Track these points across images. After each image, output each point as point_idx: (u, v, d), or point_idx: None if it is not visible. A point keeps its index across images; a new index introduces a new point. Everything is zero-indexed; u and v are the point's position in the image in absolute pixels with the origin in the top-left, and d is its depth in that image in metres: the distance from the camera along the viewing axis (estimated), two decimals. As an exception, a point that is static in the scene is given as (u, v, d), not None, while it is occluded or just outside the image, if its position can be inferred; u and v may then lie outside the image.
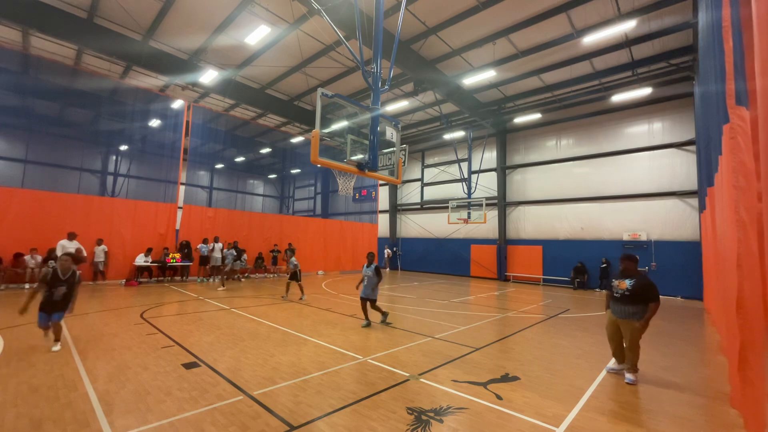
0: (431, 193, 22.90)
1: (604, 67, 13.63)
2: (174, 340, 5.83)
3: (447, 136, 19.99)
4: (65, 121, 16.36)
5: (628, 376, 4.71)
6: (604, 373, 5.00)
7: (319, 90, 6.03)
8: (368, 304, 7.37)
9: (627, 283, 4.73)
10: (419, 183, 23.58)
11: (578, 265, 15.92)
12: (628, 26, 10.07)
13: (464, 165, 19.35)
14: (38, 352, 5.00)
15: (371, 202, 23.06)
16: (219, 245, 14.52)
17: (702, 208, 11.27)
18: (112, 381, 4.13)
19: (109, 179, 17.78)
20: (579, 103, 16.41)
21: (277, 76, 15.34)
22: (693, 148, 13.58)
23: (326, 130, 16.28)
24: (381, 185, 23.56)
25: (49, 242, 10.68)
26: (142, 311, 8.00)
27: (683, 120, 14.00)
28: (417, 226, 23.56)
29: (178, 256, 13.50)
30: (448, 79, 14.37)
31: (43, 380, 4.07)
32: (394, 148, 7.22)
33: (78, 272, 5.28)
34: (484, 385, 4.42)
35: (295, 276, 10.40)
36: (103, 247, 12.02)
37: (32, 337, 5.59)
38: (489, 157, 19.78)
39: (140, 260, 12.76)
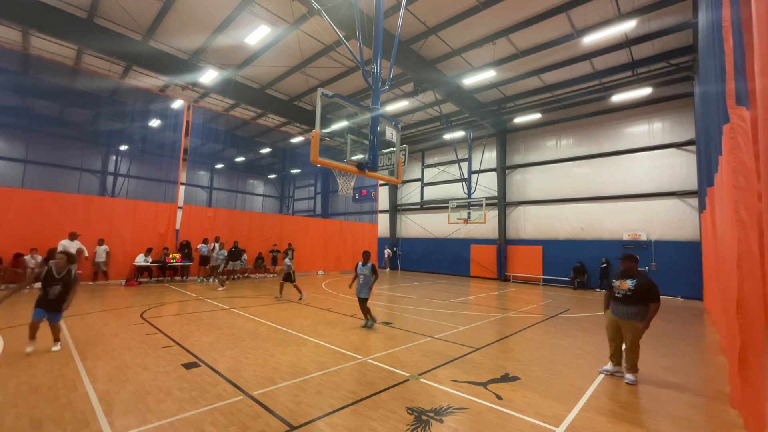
0: (431, 193, 22.89)
1: (604, 67, 13.63)
2: (174, 340, 5.83)
3: (447, 136, 19.99)
4: (65, 121, 16.37)
5: (628, 376, 4.71)
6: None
7: (319, 90, 6.03)
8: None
9: (629, 284, 4.71)
10: (419, 183, 23.58)
11: (577, 265, 15.92)
12: (628, 26, 10.07)
13: (464, 165, 19.35)
14: (38, 352, 5.00)
15: (371, 202, 23.06)
16: (220, 245, 14.52)
17: (702, 208, 11.27)
18: (112, 381, 4.13)
19: (109, 179, 17.79)
20: (579, 103, 16.41)
21: (277, 76, 15.34)
22: (693, 148, 13.58)
23: (326, 130, 16.28)
24: (381, 185, 23.56)
25: (49, 242, 10.67)
26: (142, 311, 8.00)
27: (683, 120, 14.00)
28: (417, 226, 23.55)
29: (178, 256, 13.50)
30: (448, 79, 14.37)
31: (43, 380, 4.07)
32: (394, 148, 7.22)
33: (74, 271, 5.23)
34: (484, 385, 4.42)
35: (289, 277, 10.29)
36: (104, 247, 12.02)
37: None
38: (489, 157, 19.78)
39: (140, 260, 12.76)
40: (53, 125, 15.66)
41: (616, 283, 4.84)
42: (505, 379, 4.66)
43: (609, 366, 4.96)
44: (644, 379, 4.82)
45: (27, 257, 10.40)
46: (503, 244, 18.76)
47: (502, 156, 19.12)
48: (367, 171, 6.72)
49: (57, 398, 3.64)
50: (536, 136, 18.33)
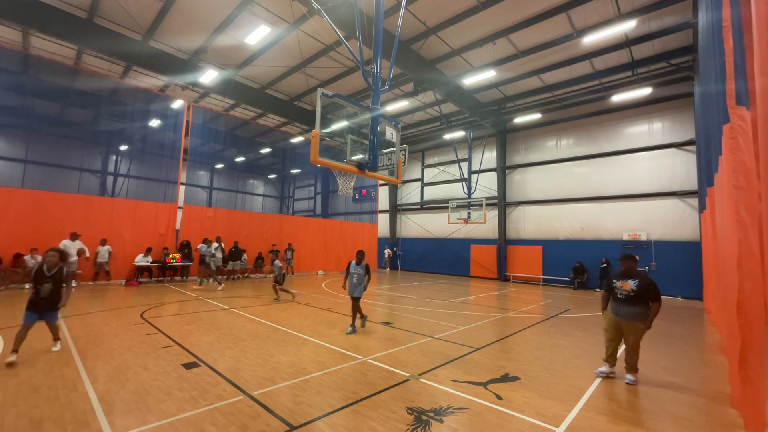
0: (431, 193, 22.89)
1: (604, 67, 13.63)
2: (174, 340, 5.83)
3: (447, 136, 19.99)
4: (65, 121, 16.37)
5: (628, 376, 4.70)
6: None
7: (319, 90, 6.03)
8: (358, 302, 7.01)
9: (631, 284, 4.66)
10: (419, 183, 23.58)
11: (577, 265, 15.93)
12: (628, 26, 10.07)
13: (464, 165, 19.35)
14: (38, 352, 5.00)
15: (371, 202, 23.06)
16: (221, 245, 14.49)
17: (702, 208, 11.27)
18: (112, 381, 4.13)
19: (109, 179, 17.79)
20: (579, 103, 16.41)
21: (277, 76, 15.34)
22: (693, 148, 13.58)
23: (326, 130, 16.28)
24: (381, 185, 23.56)
25: (49, 242, 10.63)
26: (142, 311, 8.00)
27: (683, 120, 14.00)
28: (417, 226, 23.55)
29: (178, 256, 13.50)
30: (448, 79, 14.37)
31: (43, 380, 4.07)
32: (394, 148, 7.22)
33: (66, 269, 5.07)
34: (484, 385, 4.42)
35: (278, 279, 10.03)
36: (107, 247, 12.01)
37: (32, 337, 5.57)
38: (489, 157, 19.78)
39: (140, 260, 12.76)
40: (53, 125, 15.65)
41: (618, 283, 4.79)
42: (505, 379, 4.66)
43: (605, 368, 4.88)
44: (644, 379, 4.82)
45: (27, 257, 10.40)
46: (503, 244, 18.76)
47: (502, 156, 19.12)
48: (367, 171, 6.72)
49: (57, 398, 3.64)
50: (536, 136, 18.33)
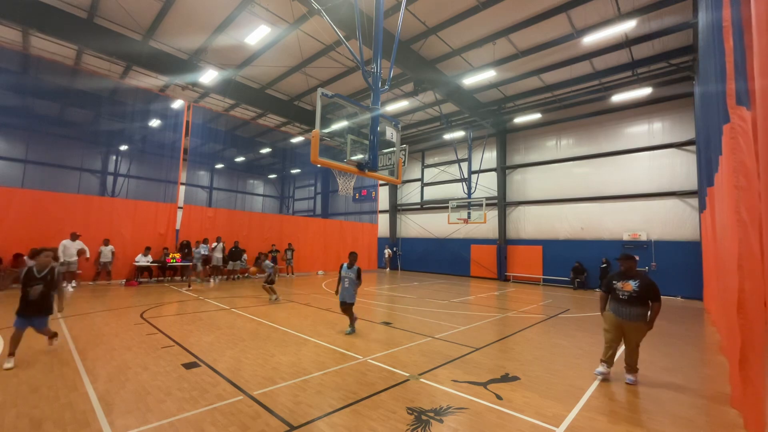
0: (431, 193, 22.89)
1: (604, 67, 13.63)
2: (174, 340, 5.83)
3: (447, 136, 19.99)
4: (65, 121, 16.38)
5: (629, 376, 4.70)
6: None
7: (319, 90, 6.02)
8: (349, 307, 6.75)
9: (632, 285, 4.63)
10: (419, 183, 23.58)
11: (576, 265, 15.93)
12: (628, 26, 10.07)
13: (464, 165, 19.35)
14: (37, 352, 5.00)
15: (371, 202, 23.06)
16: (221, 245, 14.54)
17: (702, 208, 11.27)
18: (112, 381, 4.13)
19: (109, 179, 17.79)
20: (579, 103, 16.41)
21: (277, 76, 15.34)
22: (693, 148, 13.58)
23: (326, 130, 16.27)
24: (381, 185, 23.56)
25: (49, 242, 10.62)
26: (142, 311, 8.00)
27: (683, 120, 14.00)
28: (417, 226, 23.55)
29: (178, 256, 13.49)
30: (448, 79, 14.37)
31: (43, 380, 4.07)
32: (394, 148, 7.21)
33: (57, 269, 4.85)
34: (484, 385, 4.42)
35: (269, 280, 9.91)
36: (110, 247, 12.00)
37: (32, 337, 5.57)
38: (489, 157, 19.78)
39: (140, 260, 12.75)
40: (53, 125, 15.67)
41: (618, 284, 4.74)
42: (505, 379, 4.66)
43: (603, 368, 4.80)
44: (644, 379, 4.82)
45: (27, 257, 10.38)
46: (503, 244, 18.76)
47: (502, 156, 19.12)
48: (367, 171, 6.71)
49: (57, 398, 3.64)
50: (536, 136, 18.33)
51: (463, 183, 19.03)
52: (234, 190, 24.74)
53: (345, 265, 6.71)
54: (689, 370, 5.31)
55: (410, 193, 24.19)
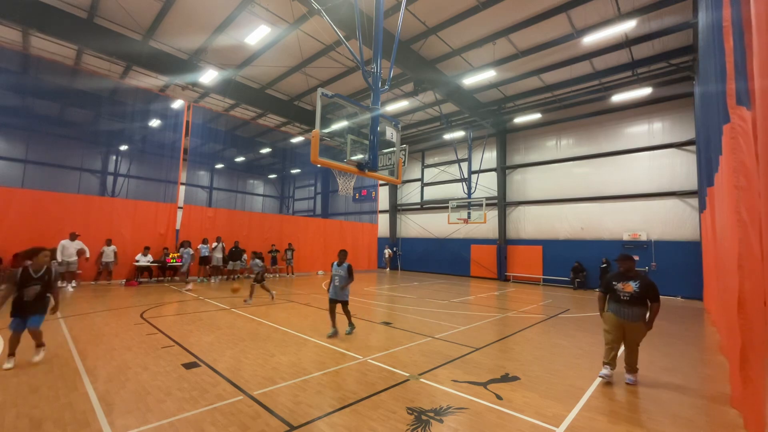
0: (431, 193, 22.89)
1: (604, 67, 13.63)
2: (174, 340, 5.83)
3: (447, 136, 19.99)
4: (65, 121, 16.38)
5: (628, 376, 4.70)
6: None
7: (319, 90, 6.03)
8: (338, 306, 6.62)
9: (633, 285, 4.61)
10: (419, 183, 23.58)
11: (576, 265, 15.94)
12: (628, 26, 10.07)
13: (464, 165, 19.35)
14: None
15: (371, 202, 23.06)
16: (221, 245, 14.54)
17: (702, 208, 11.27)
18: (112, 381, 4.13)
19: (109, 179, 17.80)
20: (579, 103, 16.41)
21: (277, 76, 15.34)
22: (693, 148, 13.58)
23: (326, 130, 16.27)
24: (381, 185, 23.56)
25: (49, 242, 10.62)
26: (142, 311, 8.00)
27: (683, 120, 14.00)
28: (417, 226, 23.55)
29: (177, 255, 13.49)
30: (448, 79, 14.36)
31: (43, 380, 4.07)
32: (394, 148, 7.22)
33: (54, 269, 4.74)
34: (484, 385, 4.42)
35: (259, 278, 9.76)
36: (113, 247, 12.02)
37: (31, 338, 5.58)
38: (489, 157, 19.78)
39: (141, 260, 12.76)
40: (53, 125, 15.68)
41: (619, 285, 4.70)
42: (505, 379, 4.66)
43: (608, 370, 4.70)
44: (644, 379, 4.82)
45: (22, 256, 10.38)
46: (503, 244, 18.75)
47: (502, 156, 19.12)
48: (367, 171, 6.72)
49: (57, 398, 3.64)
50: (536, 136, 18.33)
51: (463, 183, 19.03)
52: (234, 190, 24.75)
53: (335, 263, 6.62)
54: (689, 370, 5.31)
55: (410, 193, 24.19)
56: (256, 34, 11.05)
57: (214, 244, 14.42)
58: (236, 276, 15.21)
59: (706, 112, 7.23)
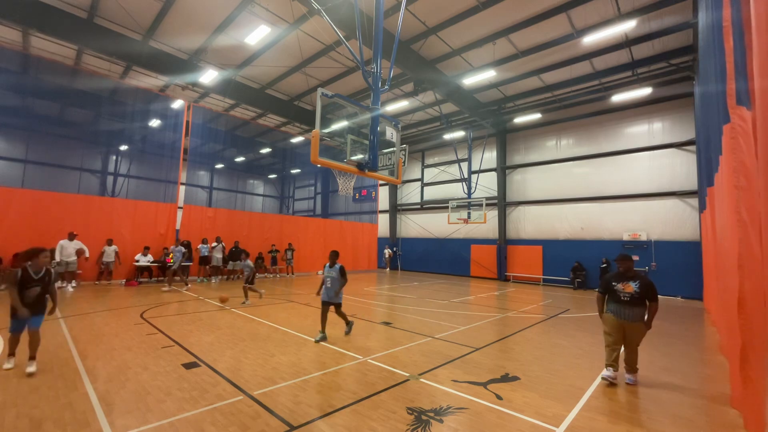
0: (431, 193, 22.89)
1: (604, 67, 13.63)
2: (174, 340, 5.83)
3: (447, 136, 19.98)
4: (65, 121, 16.37)
5: (628, 376, 4.70)
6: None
7: (319, 90, 6.03)
8: (331, 309, 6.35)
9: (633, 286, 4.61)
10: (419, 183, 23.58)
11: (575, 265, 15.95)
12: (628, 26, 10.07)
13: (464, 165, 19.35)
14: (38, 352, 4.98)
15: (371, 202, 23.06)
16: (221, 245, 14.54)
17: (702, 208, 11.27)
18: (112, 381, 4.13)
19: (109, 179, 17.78)
20: (579, 103, 16.41)
21: (277, 76, 15.34)
22: (693, 148, 13.58)
23: (326, 130, 16.27)
24: (381, 185, 23.55)
25: (49, 242, 10.64)
26: (142, 311, 8.00)
27: (683, 120, 14.00)
28: (417, 226, 23.55)
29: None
30: (448, 79, 14.36)
31: (43, 380, 4.07)
32: (394, 148, 7.22)
33: (53, 270, 4.67)
34: (484, 385, 4.42)
35: (249, 279, 9.66)
36: (114, 247, 12.01)
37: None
38: (489, 157, 19.78)
39: (141, 260, 12.75)
40: (53, 125, 15.66)
41: (619, 286, 4.69)
42: (505, 379, 4.66)
43: (611, 372, 4.63)
44: (644, 379, 4.82)
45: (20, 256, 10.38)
46: (503, 244, 18.75)
47: (502, 156, 19.12)
48: (367, 171, 6.72)
49: (57, 398, 3.64)
50: (536, 136, 18.33)
51: (463, 183, 19.03)
52: (234, 190, 24.73)
53: (327, 265, 6.40)
54: (689, 370, 5.31)
55: (410, 193, 24.19)
56: (256, 34, 11.06)
57: (214, 244, 14.42)
58: (236, 276, 15.21)
59: (706, 112, 7.23)
